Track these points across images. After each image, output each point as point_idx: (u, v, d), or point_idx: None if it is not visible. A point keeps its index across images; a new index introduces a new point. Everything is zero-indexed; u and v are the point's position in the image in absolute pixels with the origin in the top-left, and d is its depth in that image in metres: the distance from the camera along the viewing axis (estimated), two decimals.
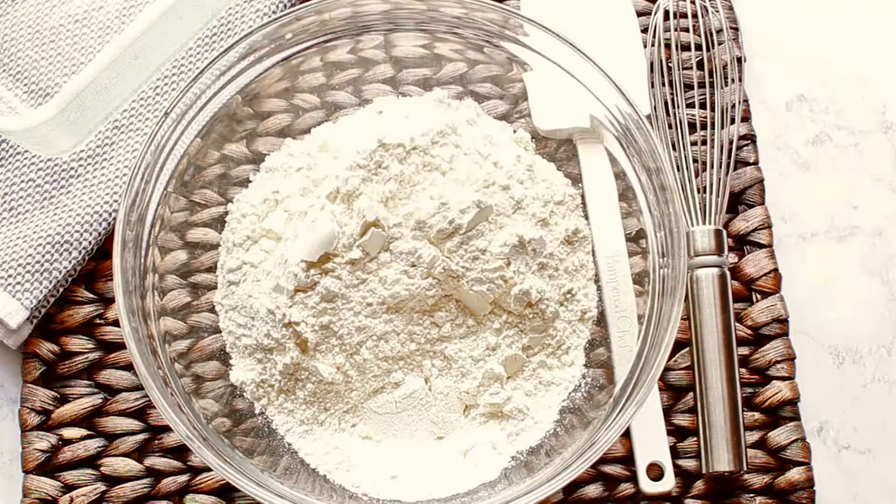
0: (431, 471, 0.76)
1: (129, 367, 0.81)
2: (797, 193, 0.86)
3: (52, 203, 0.82)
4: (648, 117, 0.82)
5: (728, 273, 0.80)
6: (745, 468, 0.78)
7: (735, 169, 0.84)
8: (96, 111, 0.79)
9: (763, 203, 0.84)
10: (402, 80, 0.83)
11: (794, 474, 0.80)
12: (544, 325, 0.77)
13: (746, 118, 0.85)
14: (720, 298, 0.79)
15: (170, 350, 0.76)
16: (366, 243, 0.74)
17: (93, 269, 0.82)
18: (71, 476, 0.79)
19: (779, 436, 0.80)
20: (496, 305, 0.77)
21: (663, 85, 0.84)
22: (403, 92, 0.83)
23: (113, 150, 0.82)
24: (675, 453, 0.80)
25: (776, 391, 0.81)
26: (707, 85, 0.85)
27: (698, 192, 0.82)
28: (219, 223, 0.80)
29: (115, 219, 0.80)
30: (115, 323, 0.81)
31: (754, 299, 0.82)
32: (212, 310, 0.79)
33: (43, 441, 0.80)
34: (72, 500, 0.79)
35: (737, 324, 0.81)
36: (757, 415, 0.81)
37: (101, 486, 0.79)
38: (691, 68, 0.85)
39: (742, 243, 0.83)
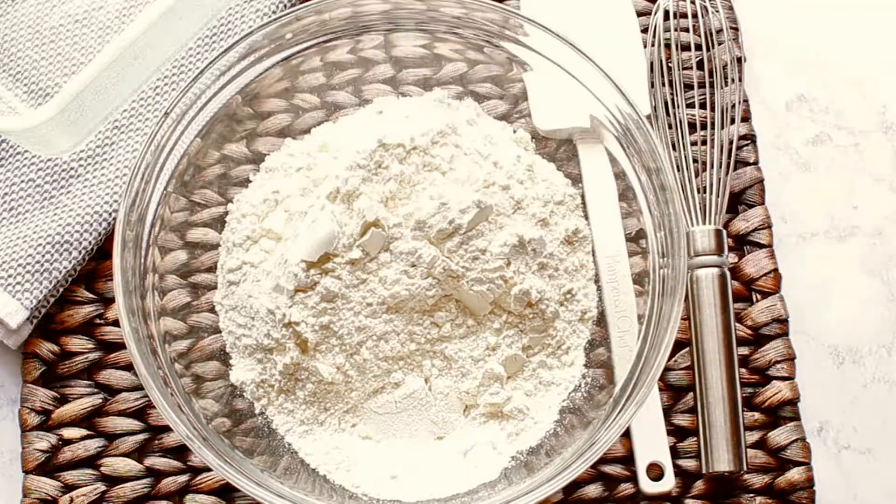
0: (431, 471, 0.76)
1: (129, 367, 0.81)
2: (797, 193, 0.86)
3: (52, 203, 0.82)
4: (648, 117, 0.82)
5: (728, 273, 0.80)
6: (745, 468, 0.78)
7: (735, 169, 0.84)
8: (96, 111, 0.79)
9: (763, 203, 0.84)
10: (402, 80, 0.83)
11: (794, 474, 0.80)
12: (544, 325, 0.77)
13: (746, 118, 0.85)
14: (720, 298, 0.79)
15: (170, 350, 0.76)
16: (366, 243, 0.74)
17: (93, 269, 0.82)
18: (71, 476, 0.79)
19: (779, 436, 0.80)
20: (496, 305, 0.77)
21: (663, 85, 0.84)
22: (403, 92, 0.83)
23: (113, 150, 0.82)
24: (675, 453, 0.80)
25: (776, 391, 0.81)
26: (707, 85, 0.85)
27: (698, 192, 0.82)
28: (219, 223, 0.80)
29: (115, 219, 0.80)
30: (115, 323, 0.81)
31: (754, 299, 0.82)
32: (212, 310, 0.79)
33: (43, 441, 0.80)
34: (72, 500, 0.79)
35: (737, 324, 0.81)
36: (757, 415, 0.81)
37: (101, 486, 0.79)
38: (691, 68, 0.85)
39: (742, 243, 0.83)
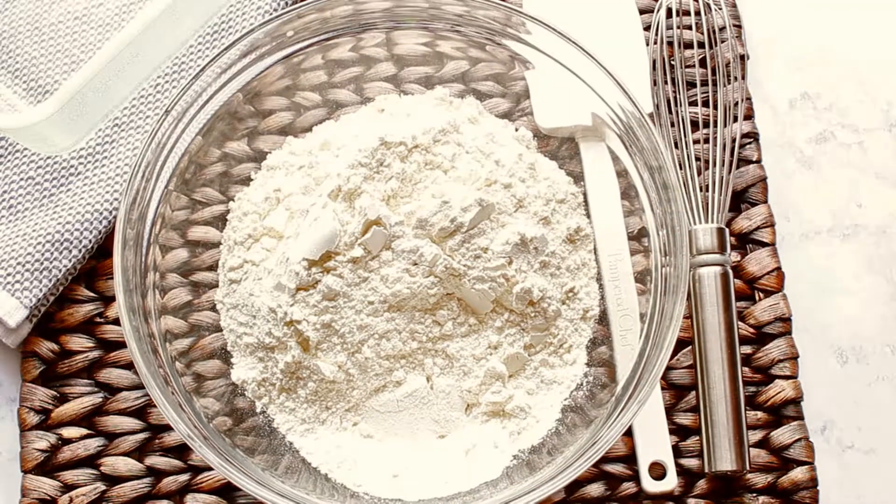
0: (433, 469, 0.76)
1: (129, 365, 0.80)
2: (800, 191, 0.86)
3: (52, 201, 0.81)
4: (651, 115, 0.82)
5: (730, 271, 0.80)
6: (747, 467, 0.78)
7: (738, 167, 0.84)
8: (96, 109, 0.79)
9: (766, 201, 0.84)
10: (403, 78, 0.83)
11: (798, 474, 0.79)
12: (546, 324, 0.77)
13: (749, 116, 0.85)
14: (723, 297, 0.79)
15: (170, 349, 0.76)
16: (367, 241, 0.74)
17: (93, 268, 0.82)
18: (70, 476, 0.79)
19: (782, 435, 0.80)
20: (498, 304, 0.77)
21: (666, 83, 0.84)
22: (405, 90, 0.83)
23: (113, 147, 0.82)
24: (678, 452, 0.80)
25: (779, 390, 0.80)
26: (710, 83, 0.84)
27: (701, 190, 0.82)
28: (220, 221, 0.80)
29: (115, 217, 0.80)
30: (116, 322, 0.80)
31: (757, 298, 0.82)
32: (213, 308, 0.79)
33: (42, 440, 0.79)
34: (71, 499, 0.79)
35: (739, 322, 0.81)
36: (760, 414, 0.80)
37: (100, 486, 0.79)
38: (694, 66, 0.85)
39: (745, 241, 0.83)
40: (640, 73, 0.83)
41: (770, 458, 0.80)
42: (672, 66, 0.85)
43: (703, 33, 0.85)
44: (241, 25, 0.84)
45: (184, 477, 0.79)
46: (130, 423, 0.80)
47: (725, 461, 0.78)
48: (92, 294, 0.82)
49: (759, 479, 0.80)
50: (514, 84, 0.82)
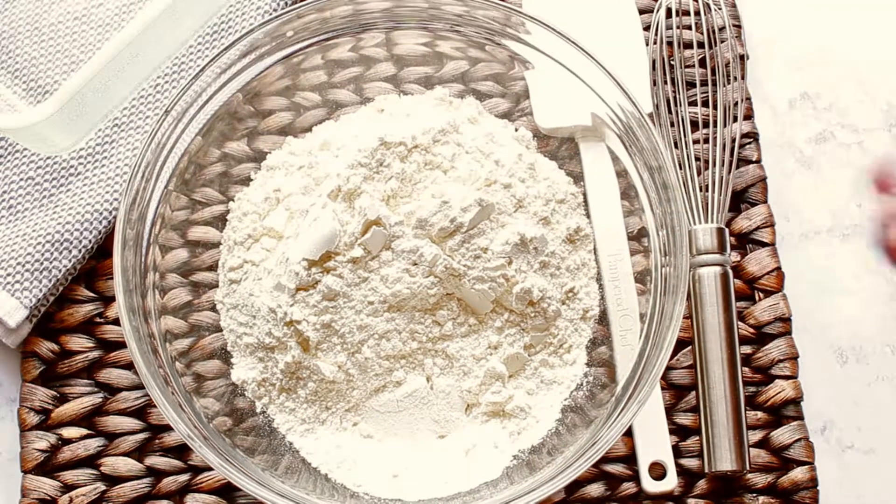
0: (433, 470, 0.76)
1: (129, 365, 0.80)
2: (800, 191, 0.86)
3: (52, 201, 0.81)
4: (650, 115, 0.82)
5: (730, 271, 0.80)
6: (747, 467, 0.78)
7: (737, 167, 0.83)
8: (96, 109, 0.79)
9: (766, 201, 0.83)
10: (403, 78, 0.83)
11: (798, 474, 0.79)
12: (546, 324, 0.77)
13: (749, 116, 0.85)
14: (722, 297, 0.79)
15: (170, 349, 0.76)
16: (367, 242, 0.74)
17: (93, 268, 0.82)
18: (70, 476, 0.79)
19: (782, 435, 0.80)
20: (498, 304, 0.77)
21: (665, 83, 0.83)
22: (405, 90, 0.83)
23: (113, 148, 0.82)
24: (678, 452, 0.80)
25: (779, 390, 0.80)
26: (709, 83, 0.84)
27: (700, 190, 0.82)
28: (220, 221, 0.80)
29: (115, 217, 0.80)
30: (116, 322, 0.80)
31: (757, 298, 0.82)
32: (213, 308, 0.79)
33: (42, 441, 0.79)
34: (71, 500, 0.79)
35: (739, 322, 0.81)
36: (760, 414, 0.80)
37: (100, 486, 0.79)
38: (693, 66, 0.85)
39: (744, 241, 0.83)
40: (640, 73, 0.83)
41: (770, 459, 0.80)
42: (672, 66, 0.84)
43: (702, 33, 0.85)
44: (240, 25, 0.84)
45: (184, 477, 0.79)
46: (130, 423, 0.80)
47: (725, 461, 0.78)
48: (92, 294, 0.82)
49: (759, 480, 0.80)
50: (513, 84, 0.82)
